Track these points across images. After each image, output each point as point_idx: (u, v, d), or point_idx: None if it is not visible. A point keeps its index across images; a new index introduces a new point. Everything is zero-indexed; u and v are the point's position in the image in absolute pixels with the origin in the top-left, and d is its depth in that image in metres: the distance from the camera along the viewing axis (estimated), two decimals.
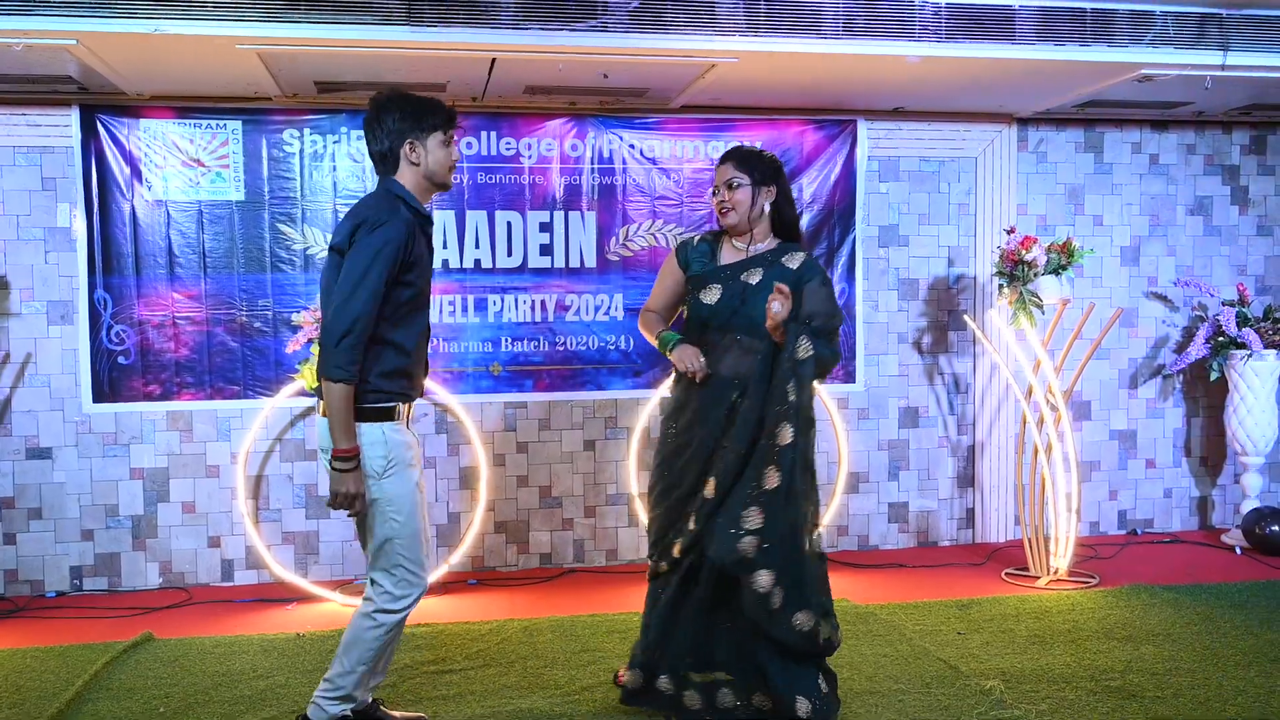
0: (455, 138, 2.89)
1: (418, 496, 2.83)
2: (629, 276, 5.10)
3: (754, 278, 3.12)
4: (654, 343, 3.22)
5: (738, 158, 3.16)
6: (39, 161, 4.61)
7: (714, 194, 3.19)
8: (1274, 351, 5.19)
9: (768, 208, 3.15)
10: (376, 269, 2.63)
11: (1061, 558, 4.72)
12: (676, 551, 3.06)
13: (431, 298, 3.00)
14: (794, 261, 3.14)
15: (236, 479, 4.68)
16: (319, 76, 4.35)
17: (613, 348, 5.11)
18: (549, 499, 5.11)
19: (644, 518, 4.96)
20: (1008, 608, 4.27)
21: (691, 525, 3.02)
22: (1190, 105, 5.23)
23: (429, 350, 3.00)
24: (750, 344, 3.06)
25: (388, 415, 2.76)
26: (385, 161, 2.82)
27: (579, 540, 5.14)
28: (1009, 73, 4.48)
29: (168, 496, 4.76)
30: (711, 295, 3.14)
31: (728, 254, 3.21)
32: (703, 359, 3.06)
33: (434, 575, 4.63)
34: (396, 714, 3.05)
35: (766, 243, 3.19)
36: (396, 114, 2.77)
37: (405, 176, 2.81)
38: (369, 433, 2.74)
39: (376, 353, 2.73)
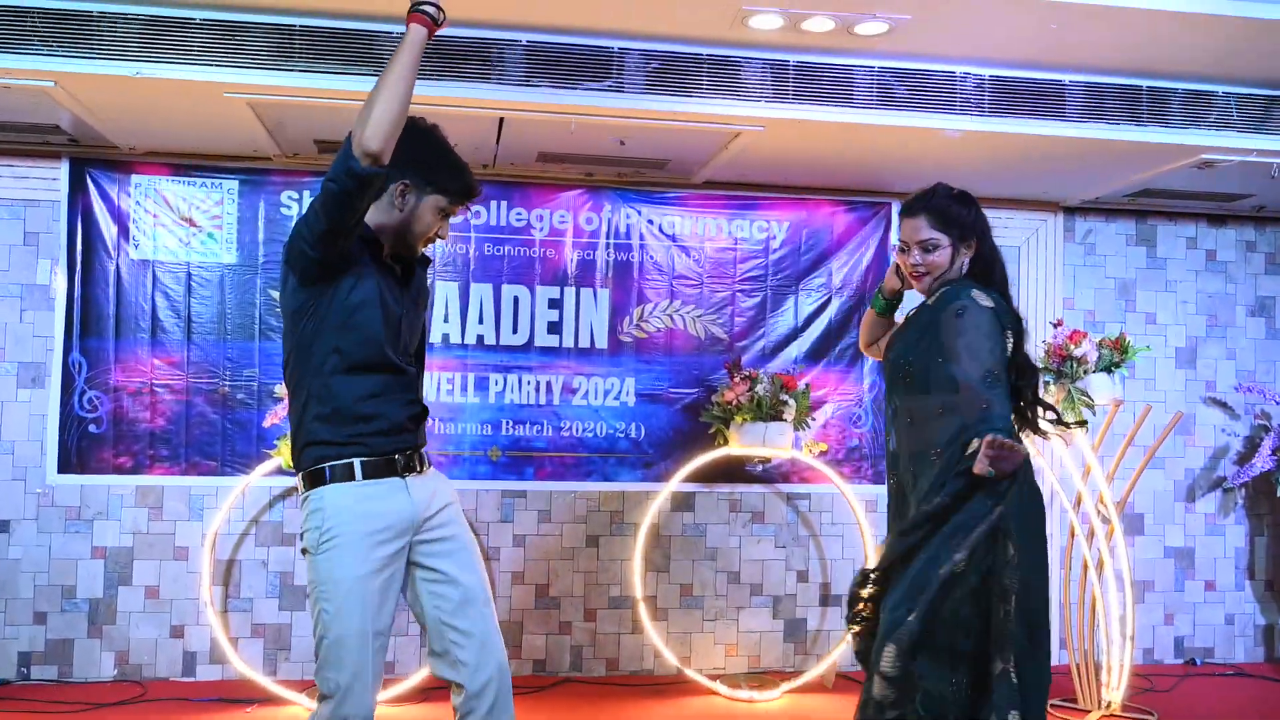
0: (455, 214, 2.48)
1: (367, 587, 2.26)
2: (642, 359, 4.74)
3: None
4: None
5: (934, 212, 2.65)
6: (22, 214, 4.37)
7: (902, 252, 2.71)
8: None
9: (966, 265, 2.68)
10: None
11: (1115, 690, 4.19)
12: None
13: (427, 373, 2.61)
14: (936, 297, 2.66)
15: (204, 563, 4.29)
16: (318, 134, 4.11)
17: (622, 435, 4.72)
18: (546, 599, 4.66)
19: (649, 624, 4.50)
20: None
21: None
22: (1250, 198, 4.88)
23: (418, 400, 2.49)
24: (906, 407, 2.66)
25: (341, 474, 2.29)
26: (371, 186, 2.24)
27: (577, 646, 4.68)
28: (1056, 153, 4.15)
29: (130, 579, 4.38)
30: None
31: None
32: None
33: (413, 679, 4.18)
34: None
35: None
36: (414, 148, 2.31)
37: (377, 213, 2.37)
38: (311, 499, 2.30)
39: (311, 390, 2.30)
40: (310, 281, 2.27)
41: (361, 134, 2.11)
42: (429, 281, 2.65)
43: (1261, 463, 4.87)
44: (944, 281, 2.69)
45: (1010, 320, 2.62)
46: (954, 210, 2.67)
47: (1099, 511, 4.29)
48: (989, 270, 2.68)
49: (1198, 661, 5.13)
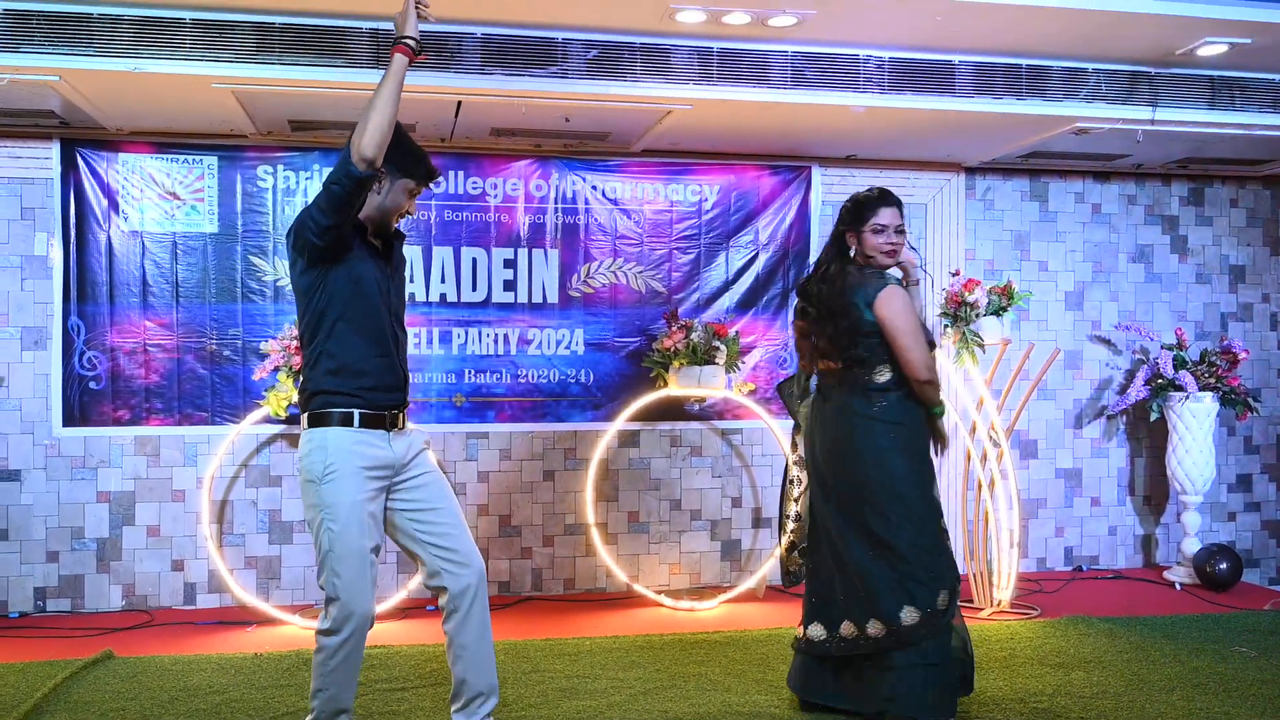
0: (420, 192, 2.96)
1: (363, 511, 2.77)
2: (590, 312, 5.28)
3: None
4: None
5: (900, 205, 3.40)
6: (19, 192, 4.77)
7: (877, 234, 3.33)
8: (1209, 394, 5.40)
9: None
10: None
11: (1004, 590, 4.87)
12: None
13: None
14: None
15: (201, 503, 4.78)
16: (292, 115, 4.54)
17: (573, 381, 5.27)
18: (508, 528, 5.23)
19: (601, 547, 5.09)
20: None
21: None
22: (1128, 157, 5.49)
23: (403, 366, 2.96)
24: None
25: (341, 420, 2.78)
26: (367, 186, 2.76)
27: (537, 569, 5.26)
28: (950, 123, 4.71)
29: (133, 520, 4.86)
30: None
31: None
32: None
33: (393, 600, 4.74)
34: None
35: None
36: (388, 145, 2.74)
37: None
38: (314, 436, 2.79)
39: (323, 349, 2.79)
40: (316, 264, 2.78)
41: (359, 144, 2.61)
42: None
43: (1136, 392, 5.54)
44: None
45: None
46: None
47: (990, 437, 4.93)
48: None
49: (1083, 568, 5.85)
